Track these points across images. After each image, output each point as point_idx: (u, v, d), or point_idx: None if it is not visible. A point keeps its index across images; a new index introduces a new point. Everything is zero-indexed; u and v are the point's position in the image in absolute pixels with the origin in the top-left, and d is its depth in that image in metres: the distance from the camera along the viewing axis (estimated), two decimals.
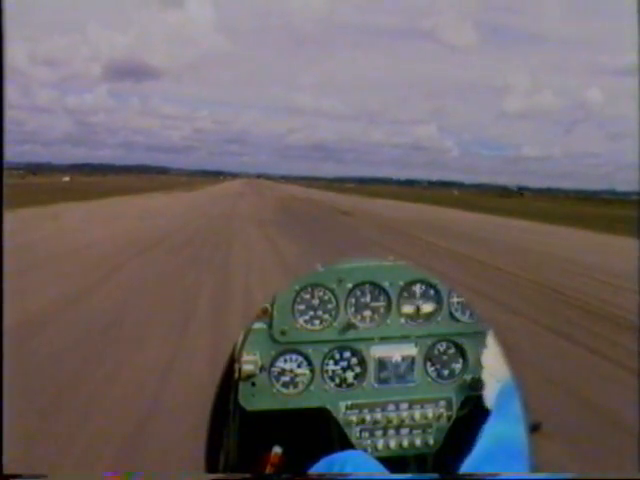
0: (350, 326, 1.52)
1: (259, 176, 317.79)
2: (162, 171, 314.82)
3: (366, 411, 1.49)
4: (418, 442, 1.49)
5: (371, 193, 77.00)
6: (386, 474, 1.24)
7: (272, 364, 1.48)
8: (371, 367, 1.51)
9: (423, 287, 1.56)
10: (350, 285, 1.53)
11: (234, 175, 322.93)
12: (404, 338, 1.53)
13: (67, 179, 76.67)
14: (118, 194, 37.10)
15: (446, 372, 1.55)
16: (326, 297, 1.52)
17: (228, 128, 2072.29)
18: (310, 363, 1.49)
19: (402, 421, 1.49)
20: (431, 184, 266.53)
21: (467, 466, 1.14)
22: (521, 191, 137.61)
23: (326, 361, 1.50)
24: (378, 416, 1.48)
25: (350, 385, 1.51)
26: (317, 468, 1.23)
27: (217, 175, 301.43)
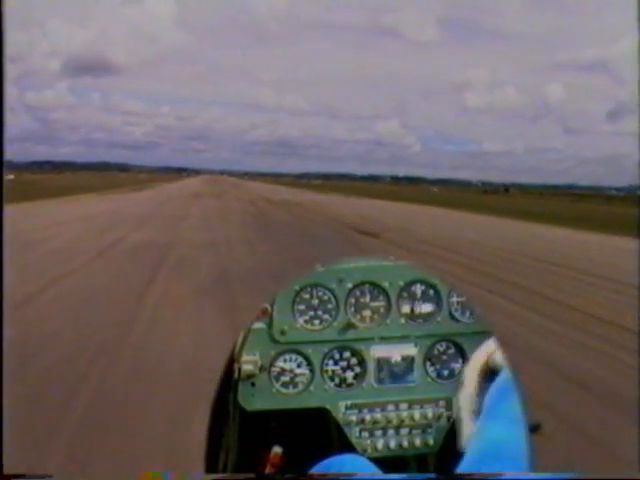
0: (350, 326, 1.48)
1: (222, 172, 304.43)
2: (123, 168, 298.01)
3: (366, 411, 1.45)
4: (418, 442, 1.45)
5: (348, 190, 67.11)
6: (385, 475, 1.23)
7: (272, 364, 1.44)
8: (371, 367, 1.48)
9: (423, 287, 1.52)
10: (350, 285, 1.50)
11: (197, 171, 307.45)
12: (404, 338, 1.50)
13: (11, 177, 63.71)
14: (35, 199, 24.97)
15: (446, 372, 1.51)
16: (326, 297, 1.49)
17: (190, 124, 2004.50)
18: (310, 363, 1.46)
19: (402, 421, 1.45)
20: (394, 179, 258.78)
21: (465, 468, 1.13)
22: (506, 187, 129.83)
23: (326, 361, 1.47)
24: (378, 416, 1.45)
25: (350, 385, 1.47)
26: (315, 471, 1.22)
27: (180, 172, 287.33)
